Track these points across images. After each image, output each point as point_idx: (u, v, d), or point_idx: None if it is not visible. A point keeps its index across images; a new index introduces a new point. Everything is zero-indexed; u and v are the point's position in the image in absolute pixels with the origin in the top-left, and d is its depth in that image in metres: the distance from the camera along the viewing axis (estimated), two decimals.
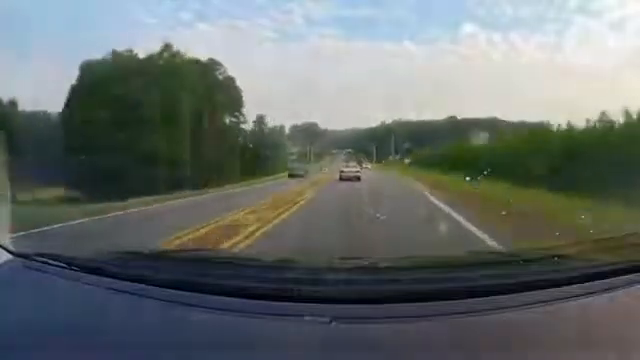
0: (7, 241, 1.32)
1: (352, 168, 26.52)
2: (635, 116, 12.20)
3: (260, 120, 42.76)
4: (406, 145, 56.36)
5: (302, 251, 5.22)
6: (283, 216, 9.20)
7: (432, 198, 12.49)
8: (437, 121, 50.76)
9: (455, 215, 8.62)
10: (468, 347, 0.85)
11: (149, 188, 16.41)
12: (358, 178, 23.16)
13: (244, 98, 32.44)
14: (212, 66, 31.59)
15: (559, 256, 1.24)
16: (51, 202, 17.25)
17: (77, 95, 24.65)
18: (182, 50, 28.32)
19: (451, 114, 57.06)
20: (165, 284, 1.09)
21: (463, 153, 24.14)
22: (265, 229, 7.44)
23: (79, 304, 1.09)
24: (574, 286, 1.02)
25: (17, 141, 14.88)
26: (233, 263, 1.33)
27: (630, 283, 1.04)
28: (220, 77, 31.71)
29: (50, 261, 1.25)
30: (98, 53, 26.22)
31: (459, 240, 6.06)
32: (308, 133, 74.97)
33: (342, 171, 25.24)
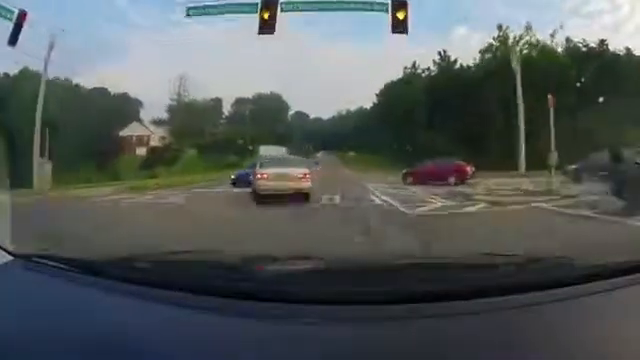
0: (7, 241, 1.32)
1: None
2: None
3: None
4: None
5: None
6: None
7: None
8: None
9: None
10: (468, 348, 0.85)
11: None
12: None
13: None
14: None
15: (560, 256, 1.24)
16: None
17: None
18: None
19: None
20: (164, 286, 1.09)
21: None
22: None
23: (79, 306, 1.08)
24: (575, 286, 1.01)
25: None
26: (226, 266, 1.33)
27: (631, 283, 1.04)
28: None
29: (50, 262, 1.25)
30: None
31: None
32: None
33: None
